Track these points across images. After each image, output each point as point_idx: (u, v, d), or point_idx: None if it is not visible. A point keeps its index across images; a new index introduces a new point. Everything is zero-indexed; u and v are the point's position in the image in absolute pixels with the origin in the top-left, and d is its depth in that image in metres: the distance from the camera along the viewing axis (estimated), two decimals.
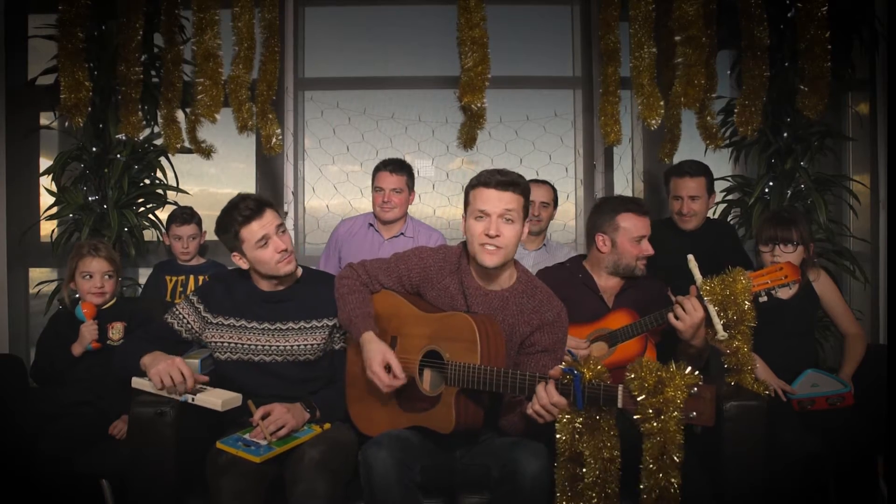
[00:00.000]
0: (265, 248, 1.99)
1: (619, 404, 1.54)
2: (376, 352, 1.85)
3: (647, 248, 2.26)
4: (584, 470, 1.58)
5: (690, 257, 1.99)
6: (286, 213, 3.49)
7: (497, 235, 1.81)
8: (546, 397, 1.62)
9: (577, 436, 1.60)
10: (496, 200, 1.83)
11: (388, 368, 1.83)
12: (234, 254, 2.05)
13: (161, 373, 1.86)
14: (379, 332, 1.93)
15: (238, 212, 1.98)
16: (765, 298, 2.00)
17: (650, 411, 1.50)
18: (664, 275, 2.42)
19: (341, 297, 2.02)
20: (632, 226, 2.24)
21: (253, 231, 1.98)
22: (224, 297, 2.10)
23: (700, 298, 1.96)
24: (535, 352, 1.91)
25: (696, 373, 1.50)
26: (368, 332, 1.90)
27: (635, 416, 1.52)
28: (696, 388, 1.48)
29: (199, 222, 3.04)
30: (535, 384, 1.65)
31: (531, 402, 1.67)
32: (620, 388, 1.54)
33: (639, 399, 1.51)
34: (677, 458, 1.51)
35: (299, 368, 2.07)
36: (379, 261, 2.08)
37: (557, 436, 1.63)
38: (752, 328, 1.96)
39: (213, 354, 2.11)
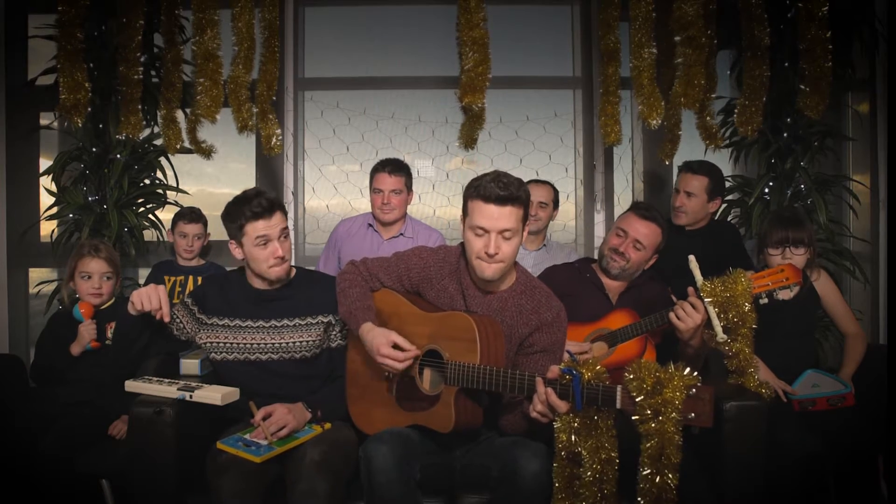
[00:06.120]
0: (263, 249, 2.01)
1: (618, 405, 1.54)
2: (380, 335, 1.83)
3: (611, 240, 2.32)
4: (583, 470, 1.58)
5: (691, 258, 1.98)
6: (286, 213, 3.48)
7: (496, 253, 1.79)
8: (544, 398, 1.61)
9: (575, 436, 1.60)
10: (496, 218, 1.77)
11: (395, 349, 1.81)
12: (232, 242, 2.07)
13: (141, 295, 1.92)
14: (379, 325, 1.91)
15: (249, 207, 1.99)
16: (765, 300, 1.99)
17: (648, 412, 1.50)
18: (665, 275, 2.42)
19: (342, 292, 2.01)
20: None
21: (257, 228, 1.99)
22: (217, 297, 2.11)
23: (700, 300, 1.96)
24: (534, 352, 1.90)
25: (695, 374, 1.50)
26: (367, 323, 1.88)
27: (634, 417, 1.52)
28: (694, 390, 1.48)
29: (205, 223, 3.05)
30: (534, 384, 1.65)
31: (532, 403, 1.67)
32: (619, 388, 1.54)
33: (637, 400, 1.51)
34: (675, 458, 1.51)
35: (296, 366, 2.07)
36: (380, 259, 2.07)
37: (556, 435, 1.63)
38: (753, 330, 1.95)
39: (209, 356, 2.11)
